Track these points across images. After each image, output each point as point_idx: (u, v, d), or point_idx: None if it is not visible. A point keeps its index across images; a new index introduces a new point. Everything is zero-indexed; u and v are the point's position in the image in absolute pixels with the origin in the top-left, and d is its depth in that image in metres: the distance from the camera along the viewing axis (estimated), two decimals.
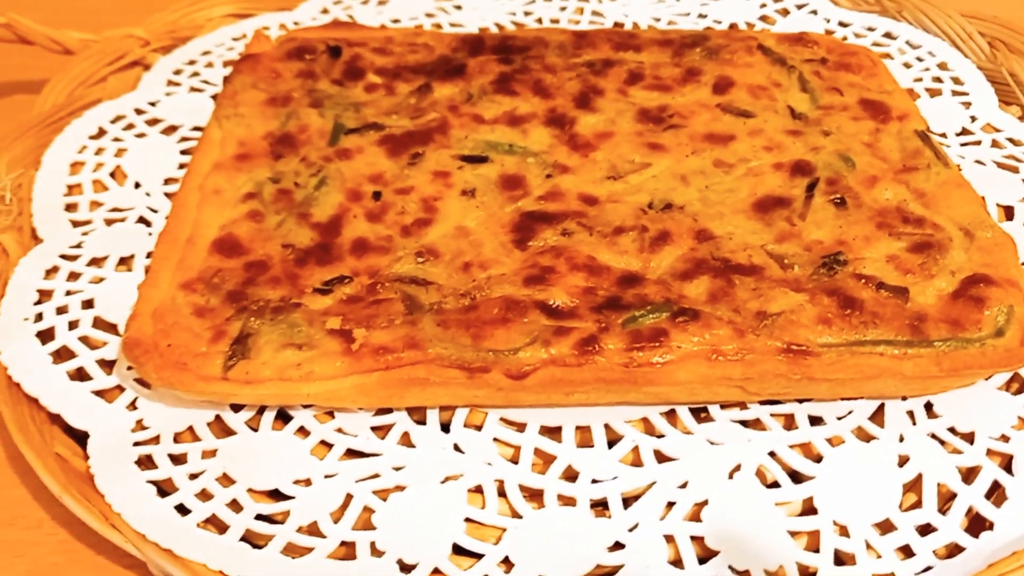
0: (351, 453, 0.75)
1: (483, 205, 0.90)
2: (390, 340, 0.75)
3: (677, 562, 0.69)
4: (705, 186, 0.92)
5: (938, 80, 1.17)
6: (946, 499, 0.73)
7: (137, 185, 1.00)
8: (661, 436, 0.77)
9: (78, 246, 0.91)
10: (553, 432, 0.77)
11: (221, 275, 0.82)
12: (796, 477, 0.74)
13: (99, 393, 0.78)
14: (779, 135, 0.98)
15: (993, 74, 1.17)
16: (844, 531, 0.70)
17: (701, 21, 1.30)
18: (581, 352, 0.75)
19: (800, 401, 0.79)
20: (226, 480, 0.72)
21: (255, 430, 0.76)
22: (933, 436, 0.77)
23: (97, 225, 0.94)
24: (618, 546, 0.69)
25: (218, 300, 0.80)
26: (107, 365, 0.81)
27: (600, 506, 0.72)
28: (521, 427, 0.77)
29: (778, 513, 0.71)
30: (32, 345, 0.81)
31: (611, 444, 0.76)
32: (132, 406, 0.78)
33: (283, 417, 0.78)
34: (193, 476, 0.72)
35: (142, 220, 0.96)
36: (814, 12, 1.31)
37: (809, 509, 0.72)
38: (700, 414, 0.79)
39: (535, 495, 0.73)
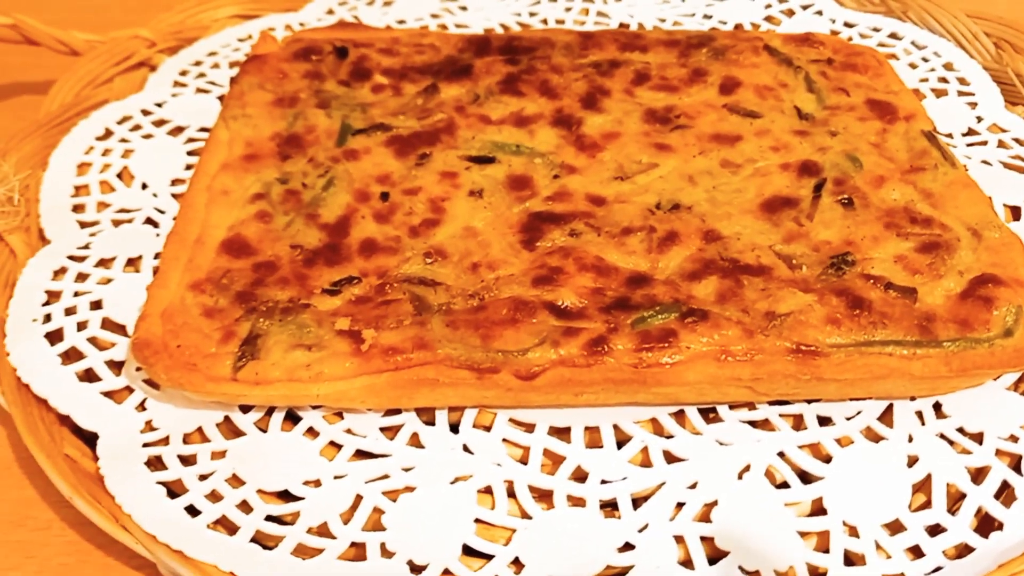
0: (360, 454, 0.75)
1: (491, 206, 0.90)
2: (399, 341, 0.75)
3: (687, 563, 0.69)
4: (712, 186, 0.92)
5: (944, 80, 1.17)
6: (955, 499, 0.73)
7: (144, 186, 1.00)
8: (670, 437, 0.77)
9: (86, 247, 0.91)
10: (562, 433, 0.77)
11: (230, 276, 0.82)
12: (805, 477, 0.74)
13: (108, 394, 0.78)
14: (786, 135, 0.98)
15: (999, 74, 1.17)
16: (854, 531, 0.70)
17: (706, 22, 1.30)
18: (590, 352, 0.75)
19: (809, 401, 0.79)
20: (236, 481, 0.72)
21: (264, 431, 0.76)
22: (942, 436, 0.77)
23: (105, 226, 0.94)
24: (628, 547, 0.69)
25: (227, 301, 0.80)
26: (116, 366, 0.81)
27: (609, 507, 0.73)
28: (530, 428, 0.78)
29: (788, 514, 0.71)
30: (41, 346, 0.81)
31: (620, 445, 0.76)
32: (141, 407, 0.78)
33: (292, 418, 0.78)
34: (203, 477, 0.72)
35: (149, 221, 0.96)
36: (819, 13, 1.31)
37: (819, 510, 0.72)
38: (709, 414, 0.79)
39: (544, 496, 0.73)
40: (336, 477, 0.73)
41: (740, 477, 0.73)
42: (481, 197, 0.90)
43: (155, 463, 0.74)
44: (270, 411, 0.78)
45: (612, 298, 0.79)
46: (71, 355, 0.82)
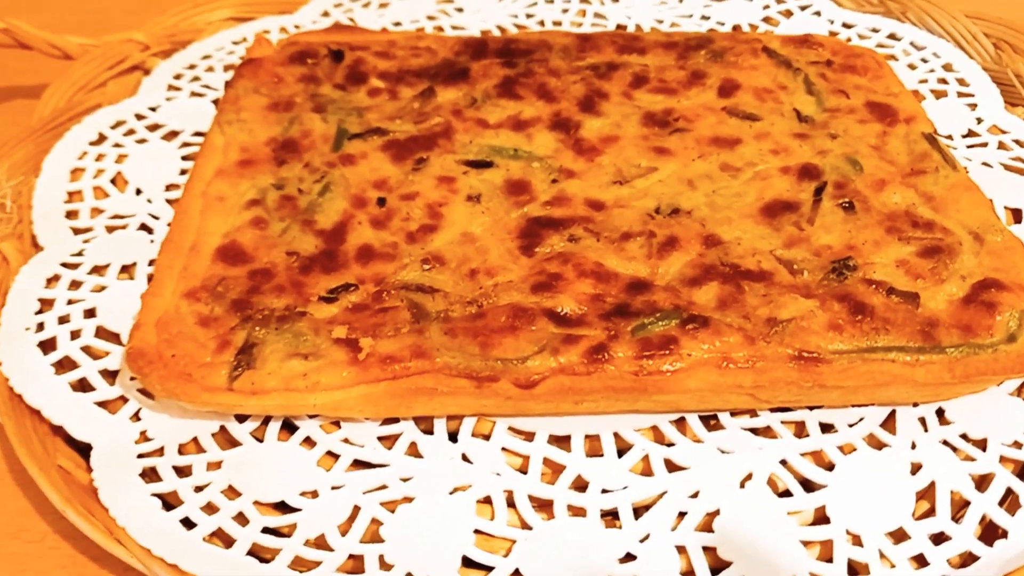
0: (358, 464, 0.74)
1: (489, 211, 0.89)
2: (397, 349, 0.74)
3: (689, 573, 0.68)
4: (712, 190, 0.91)
5: (943, 82, 1.16)
6: (959, 507, 0.73)
7: (138, 192, 0.99)
8: (671, 444, 0.76)
9: (79, 254, 0.90)
10: (562, 441, 0.76)
11: (225, 283, 0.81)
12: (808, 485, 0.73)
13: (102, 404, 0.77)
14: (786, 138, 0.97)
15: (999, 75, 1.17)
16: (857, 540, 0.69)
17: (704, 23, 1.29)
18: (590, 360, 0.74)
19: (810, 408, 0.79)
20: (232, 492, 0.71)
21: (260, 441, 0.76)
22: (945, 443, 0.76)
23: (98, 232, 0.93)
24: (629, 557, 0.68)
25: (222, 309, 0.79)
26: (110, 375, 0.80)
27: (610, 516, 0.72)
28: (530, 436, 0.77)
29: (790, 522, 0.70)
30: (34, 355, 0.80)
31: (621, 453, 0.75)
32: (136, 417, 0.77)
33: (288, 427, 0.77)
34: (198, 488, 0.71)
35: (144, 227, 0.94)
36: (817, 13, 1.30)
37: (821, 518, 0.71)
38: (710, 421, 0.78)
39: (545, 505, 0.72)
40: (334, 488, 0.72)
41: (742, 485, 0.72)
42: (479, 202, 0.90)
43: (150, 474, 0.73)
44: (266, 420, 0.77)
45: (612, 304, 0.78)
46: (64, 364, 0.81)
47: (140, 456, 0.73)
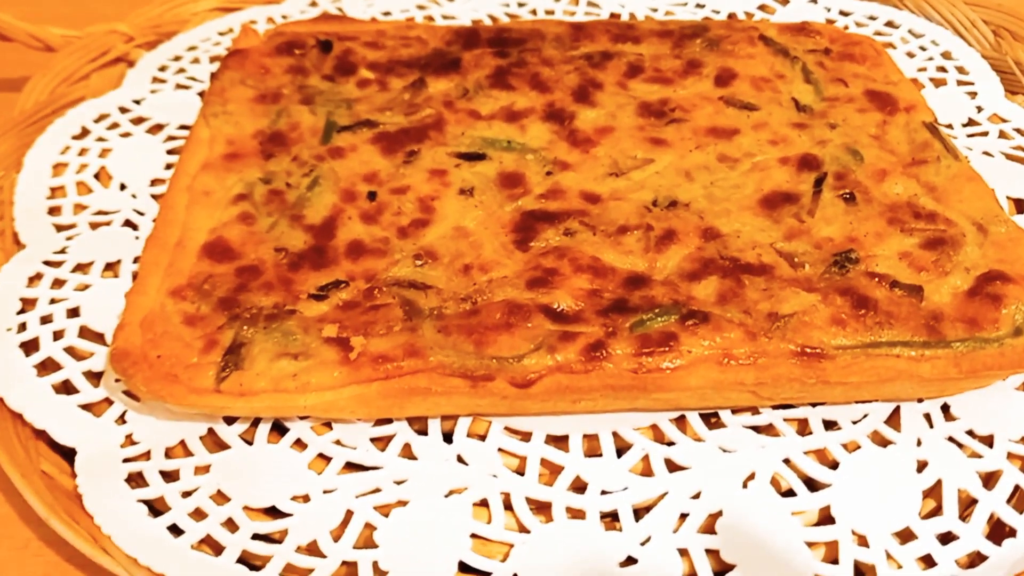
0: (350, 466, 0.72)
1: (482, 204, 0.87)
2: (389, 348, 0.72)
3: None
4: (710, 182, 0.89)
5: (942, 70, 1.15)
6: (966, 505, 0.71)
7: (123, 187, 0.96)
8: (671, 443, 0.74)
9: (62, 251, 0.88)
10: (560, 441, 0.75)
11: (212, 281, 0.78)
12: (812, 484, 0.72)
13: (86, 407, 0.75)
14: (784, 128, 0.95)
15: (998, 63, 1.15)
16: (863, 541, 0.68)
17: (699, 11, 1.27)
18: (588, 358, 0.72)
19: (813, 404, 0.77)
20: (221, 498, 0.69)
21: (250, 443, 0.73)
22: (951, 439, 0.75)
23: (82, 229, 0.91)
24: (630, 560, 0.66)
25: (209, 307, 0.77)
26: (94, 377, 0.78)
27: (610, 518, 0.70)
28: (526, 436, 0.75)
29: (794, 523, 0.68)
30: (15, 357, 0.78)
31: (620, 453, 0.74)
32: (121, 420, 0.74)
33: (279, 429, 0.75)
34: (186, 494, 0.69)
35: (128, 223, 0.92)
36: (814, 1, 1.28)
37: (826, 518, 0.69)
38: (711, 419, 0.77)
39: (543, 508, 0.70)
40: (326, 492, 0.70)
41: (745, 485, 0.71)
42: (472, 196, 0.87)
43: (136, 479, 0.71)
44: (256, 422, 0.75)
45: (609, 300, 0.76)
46: (47, 366, 0.78)
47: (126, 460, 0.71)
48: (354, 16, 1.23)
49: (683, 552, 0.67)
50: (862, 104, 0.99)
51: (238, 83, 1.00)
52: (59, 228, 0.91)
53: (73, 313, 0.82)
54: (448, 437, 0.75)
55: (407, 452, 0.73)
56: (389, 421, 0.75)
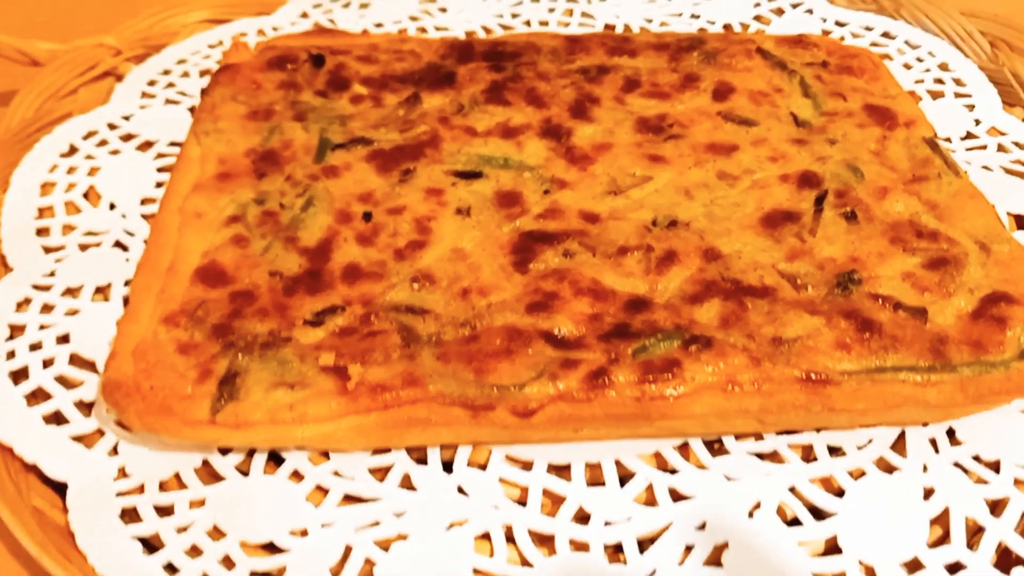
0: (349, 498, 0.71)
1: (479, 224, 0.85)
2: (388, 377, 0.71)
3: None
4: (710, 200, 0.88)
5: (940, 82, 1.14)
6: (973, 532, 0.70)
7: (112, 206, 0.94)
8: (675, 471, 0.73)
9: (51, 274, 0.86)
10: (562, 470, 0.73)
11: (205, 307, 0.77)
12: (818, 513, 0.71)
13: (78, 438, 0.74)
14: (783, 144, 0.94)
15: (995, 74, 1.14)
16: (871, 572, 0.67)
17: (694, 22, 1.26)
18: (591, 386, 0.71)
19: (818, 430, 0.76)
20: (217, 533, 0.68)
21: (245, 474, 0.72)
22: (957, 465, 0.74)
23: (71, 251, 0.89)
24: None
25: (203, 335, 0.75)
26: (85, 407, 0.76)
27: (614, 549, 0.69)
28: (528, 465, 0.73)
29: (801, 554, 0.67)
30: (4, 386, 0.76)
31: (623, 481, 0.72)
32: (114, 451, 0.73)
33: (275, 458, 0.73)
34: (181, 529, 0.67)
35: (119, 244, 0.90)
36: (810, 11, 1.27)
37: (833, 548, 0.68)
38: (714, 445, 0.75)
39: (546, 540, 0.69)
40: (324, 525, 0.68)
41: (750, 515, 0.70)
42: (469, 215, 0.86)
43: (130, 514, 0.69)
44: (251, 452, 0.73)
45: (611, 325, 0.75)
46: (37, 395, 0.77)
47: (119, 494, 0.69)
48: (346, 28, 1.21)
49: None
50: (861, 119, 0.98)
51: (229, 99, 0.98)
52: (48, 250, 0.89)
53: (63, 340, 0.80)
54: (448, 466, 0.73)
55: (406, 482, 0.72)
56: (388, 450, 0.74)
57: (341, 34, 1.11)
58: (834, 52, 1.08)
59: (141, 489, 0.70)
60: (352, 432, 0.70)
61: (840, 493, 0.72)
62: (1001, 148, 1.04)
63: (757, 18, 1.27)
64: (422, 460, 0.73)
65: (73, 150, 1.01)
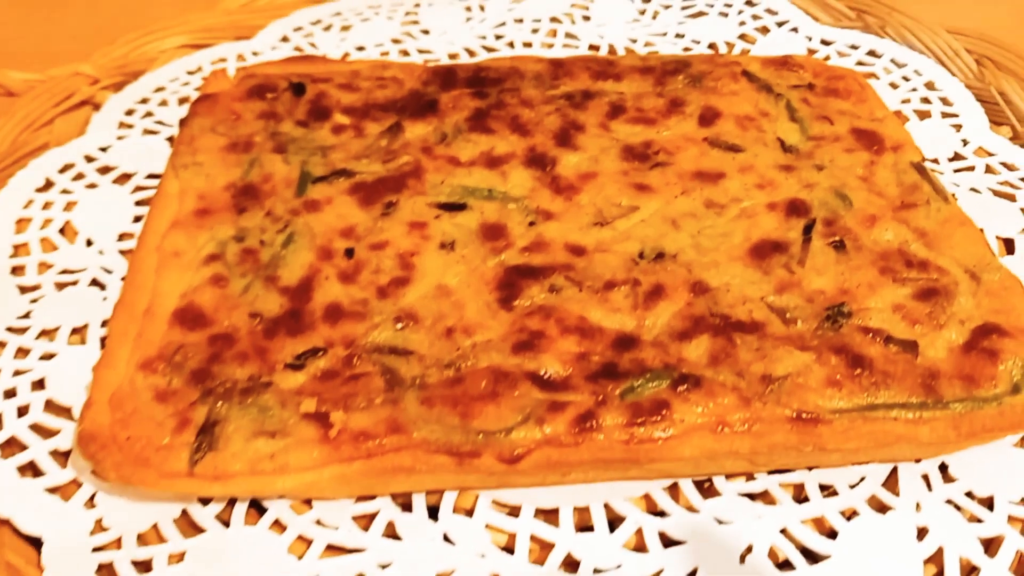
0: (333, 548, 0.69)
1: (464, 259, 0.84)
2: (371, 424, 0.69)
3: None
4: (697, 231, 0.87)
5: (926, 101, 1.13)
6: (968, 572, 0.69)
7: (89, 242, 0.93)
8: (665, 514, 0.72)
9: (26, 316, 0.84)
10: (550, 514, 0.72)
11: (183, 351, 0.75)
12: (810, 555, 0.70)
13: (54, 489, 0.72)
14: (771, 171, 0.93)
15: (981, 93, 1.14)
16: None
17: (679, 41, 1.25)
18: (578, 430, 0.69)
19: (810, 468, 0.75)
20: None
21: (226, 524, 0.70)
22: (950, 502, 0.73)
23: (47, 291, 0.87)
24: None
25: (181, 381, 0.73)
26: (61, 456, 0.74)
27: None
28: (515, 510, 0.72)
29: None
30: None
31: (612, 526, 0.71)
32: (90, 502, 0.71)
33: (256, 506, 0.72)
34: None
35: (96, 283, 0.89)
36: (795, 30, 1.26)
37: None
38: (704, 485, 0.74)
39: None
40: None
41: (742, 560, 0.68)
42: (453, 250, 0.85)
43: (107, 569, 0.67)
44: (232, 500, 0.72)
45: (598, 364, 0.74)
46: (12, 444, 0.75)
47: (95, 549, 0.68)
48: (327, 51, 1.20)
49: None
50: (849, 143, 0.97)
51: (208, 131, 0.97)
52: (23, 289, 0.87)
53: (38, 385, 0.79)
54: (434, 512, 0.72)
55: (391, 531, 0.70)
56: (372, 497, 0.72)
57: (322, 60, 1.09)
58: (820, 74, 1.07)
59: (119, 543, 0.69)
60: (335, 481, 0.69)
61: (833, 534, 0.70)
62: (989, 169, 1.03)
63: (742, 37, 1.26)
64: (407, 506, 0.72)
65: (49, 184, 0.99)
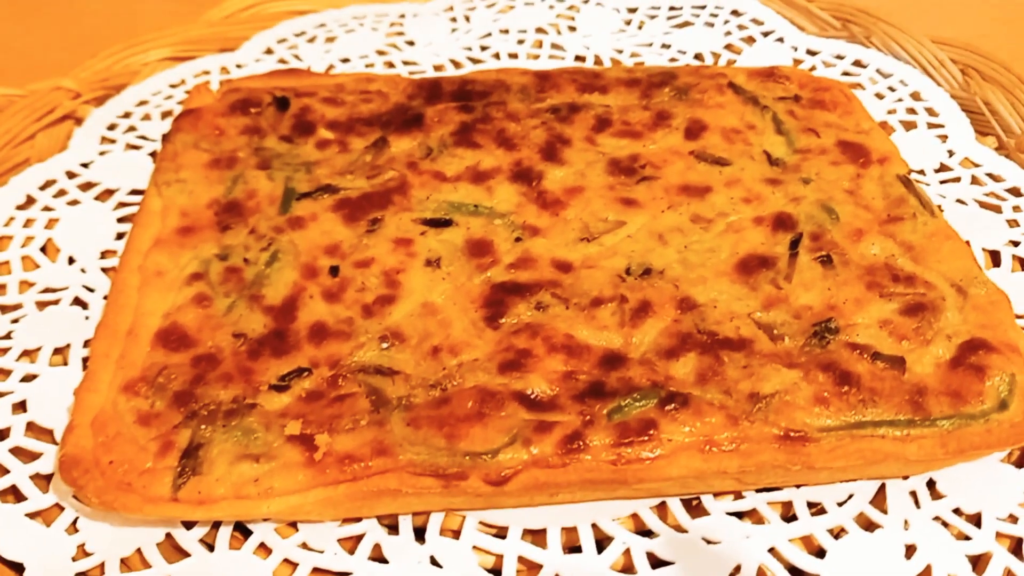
0: (318, 572, 0.69)
1: (449, 276, 0.83)
2: (356, 446, 0.69)
3: None
4: (684, 245, 0.86)
5: (912, 111, 1.13)
6: None
7: (71, 260, 0.92)
8: (653, 534, 0.71)
9: (7, 336, 0.84)
10: (537, 535, 0.72)
11: (166, 373, 0.74)
12: (799, 573, 0.69)
13: (35, 514, 0.71)
14: (757, 185, 0.93)
15: (967, 103, 1.14)
16: None
17: (665, 51, 1.24)
18: (565, 451, 0.69)
19: (798, 486, 0.74)
20: None
21: (211, 549, 0.70)
22: (938, 519, 0.73)
23: (28, 310, 0.86)
24: None
25: (164, 403, 0.73)
26: (43, 479, 0.73)
27: None
28: (502, 531, 0.72)
29: None
30: None
31: (600, 545, 0.71)
32: (73, 527, 0.70)
33: (241, 528, 0.71)
34: None
35: (78, 301, 0.88)
36: (780, 40, 1.26)
37: None
38: (692, 503, 0.74)
39: None
40: None
41: None
42: (439, 267, 0.84)
43: None
44: (217, 524, 0.71)
45: (586, 383, 0.74)
46: None
47: (79, 575, 0.67)
48: (312, 63, 1.19)
49: None
50: (835, 156, 0.96)
51: (191, 146, 0.96)
52: (4, 309, 0.87)
53: (19, 407, 0.78)
54: (420, 533, 0.71)
55: (377, 553, 0.70)
56: (358, 519, 0.71)
57: (306, 74, 1.08)
58: (806, 85, 1.07)
59: (101, 569, 0.68)
60: (320, 504, 0.68)
61: (821, 553, 0.70)
62: (975, 180, 1.04)
63: (728, 47, 1.26)
64: (393, 527, 0.71)
65: (30, 201, 0.98)
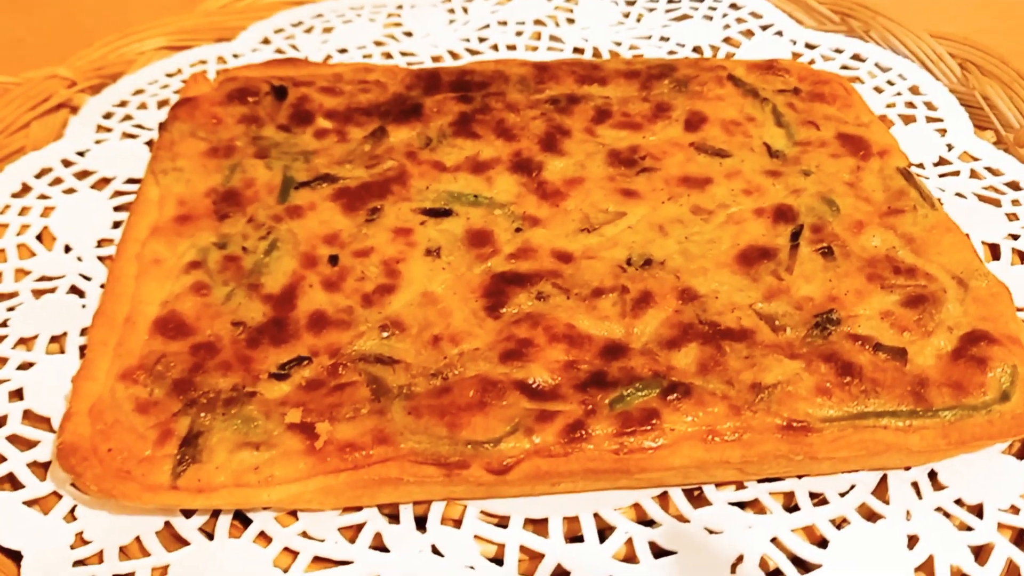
0: (319, 560, 0.68)
1: (450, 266, 0.83)
2: (357, 435, 0.68)
3: None
4: (685, 236, 0.86)
5: (911, 105, 1.13)
6: None
7: (67, 249, 0.91)
8: (655, 524, 0.71)
9: (3, 324, 0.83)
10: (539, 524, 0.71)
11: (165, 361, 0.74)
12: (801, 563, 0.69)
13: (33, 503, 0.70)
14: (758, 176, 0.92)
15: (965, 97, 1.14)
16: None
17: (664, 44, 1.24)
18: (567, 440, 0.69)
19: (799, 476, 0.74)
20: None
21: (210, 537, 0.69)
22: (940, 510, 0.72)
23: (24, 298, 0.86)
24: None
25: (163, 391, 0.72)
26: (41, 467, 0.73)
27: None
28: (504, 520, 0.71)
29: None
30: None
31: (602, 536, 0.70)
32: (71, 516, 0.70)
33: (241, 517, 0.71)
34: None
35: (75, 290, 0.87)
36: (779, 33, 1.26)
37: None
38: (694, 493, 0.74)
39: None
40: None
41: (733, 570, 0.68)
42: (439, 256, 0.84)
43: None
44: (216, 512, 0.70)
45: (587, 373, 0.73)
46: None
47: (76, 564, 0.66)
48: (309, 54, 1.19)
49: None
50: (835, 149, 0.96)
51: (188, 135, 0.95)
52: (0, 297, 0.86)
53: (16, 395, 0.77)
54: (421, 523, 0.71)
55: (378, 542, 0.69)
56: (358, 508, 0.71)
57: (304, 63, 1.08)
58: (805, 78, 1.07)
59: (100, 557, 0.67)
60: (321, 493, 0.67)
61: (824, 543, 0.70)
62: (974, 174, 1.04)
63: (727, 40, 1.26)
64: (394, 516, 0.71)
65: (26, 189, 0.97)
